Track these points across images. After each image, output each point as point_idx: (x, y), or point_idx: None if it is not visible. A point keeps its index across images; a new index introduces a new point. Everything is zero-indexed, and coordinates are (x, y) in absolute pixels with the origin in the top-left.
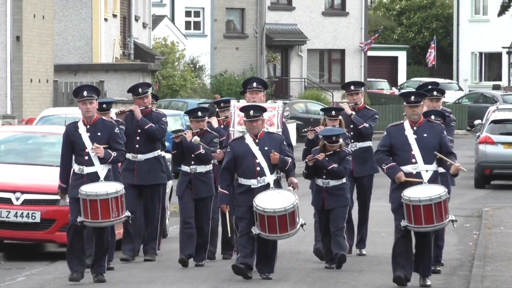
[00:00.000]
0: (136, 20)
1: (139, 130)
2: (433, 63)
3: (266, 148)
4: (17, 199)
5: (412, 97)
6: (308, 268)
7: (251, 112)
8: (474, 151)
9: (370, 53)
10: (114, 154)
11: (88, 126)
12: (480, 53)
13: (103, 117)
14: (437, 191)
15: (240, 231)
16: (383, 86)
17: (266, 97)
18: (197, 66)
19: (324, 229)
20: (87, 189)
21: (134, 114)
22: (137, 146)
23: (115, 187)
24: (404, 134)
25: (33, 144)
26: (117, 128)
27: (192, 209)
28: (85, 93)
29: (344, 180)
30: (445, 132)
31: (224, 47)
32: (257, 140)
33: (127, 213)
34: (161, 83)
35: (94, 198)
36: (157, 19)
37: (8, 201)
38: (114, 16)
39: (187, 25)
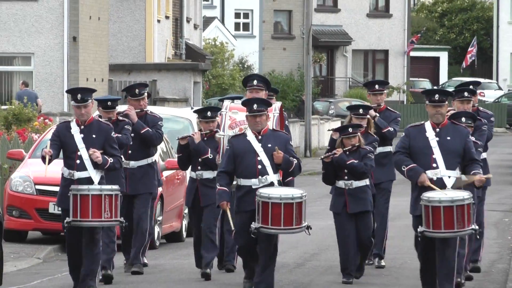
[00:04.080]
0: (188, 21)
1: (132, 134)
2: (467, 64)
3: (269, 145)
4: None
5: (437, 96)
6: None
7: (255, 106)
8: None
9: (412, 54)
10: (111, 160)
11: (82, 127)
12: None
13: (99, 119)
14: (461, 194)
15: (240, 248)
16: (425, 85)
17: (312, 95)
18: (246, 66)
19: (345, 236)
20: (79, 185)
21: (128, 116)
22: (129, 151)
23: (110, 186)
24: (425, 136)
25: None
26: (113, 132)
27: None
28: (79, 96)
29: (367, 181)
30: (470, 137)
31: (272, 47)
32: (260, 137)
33: (121, 219)
34: (211, 82)
35: (85, 193)
36: (207, 21)
37: None
38: (167, 17)
39: (237, 26)
